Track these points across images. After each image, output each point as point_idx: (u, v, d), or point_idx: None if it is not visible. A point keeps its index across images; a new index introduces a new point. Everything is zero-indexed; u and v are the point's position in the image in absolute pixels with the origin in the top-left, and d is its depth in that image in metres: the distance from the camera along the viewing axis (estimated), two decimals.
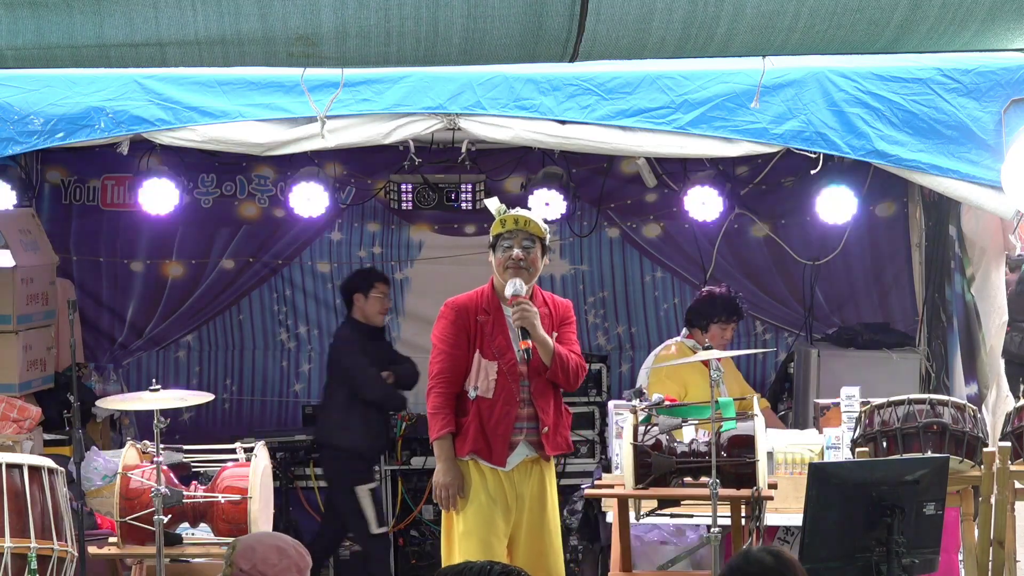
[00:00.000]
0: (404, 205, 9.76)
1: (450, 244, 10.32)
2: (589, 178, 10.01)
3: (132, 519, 7.00)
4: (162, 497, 6.72)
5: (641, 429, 7.07)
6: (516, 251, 7.03)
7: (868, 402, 7.39)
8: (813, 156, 7.58)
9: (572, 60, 4.88)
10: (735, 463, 6.89)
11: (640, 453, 6.98)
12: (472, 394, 7.00)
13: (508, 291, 7.03)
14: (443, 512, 7.07)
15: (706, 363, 8.19)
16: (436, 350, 7.09)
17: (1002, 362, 8.43)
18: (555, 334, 7.10)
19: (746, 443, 6.93)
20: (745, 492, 6.94)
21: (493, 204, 7.18)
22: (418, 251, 10.45)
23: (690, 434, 7.32)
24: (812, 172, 7.83)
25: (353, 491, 9.08)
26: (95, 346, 10.35)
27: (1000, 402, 8.29)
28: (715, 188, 9.26)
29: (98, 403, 7.55)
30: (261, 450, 7.24)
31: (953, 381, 8.81)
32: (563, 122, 7.57)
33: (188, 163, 9.61)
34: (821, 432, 8.03)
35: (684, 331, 8.94)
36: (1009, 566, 7.13)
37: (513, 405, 7.03)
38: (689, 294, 9.98)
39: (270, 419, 10.53)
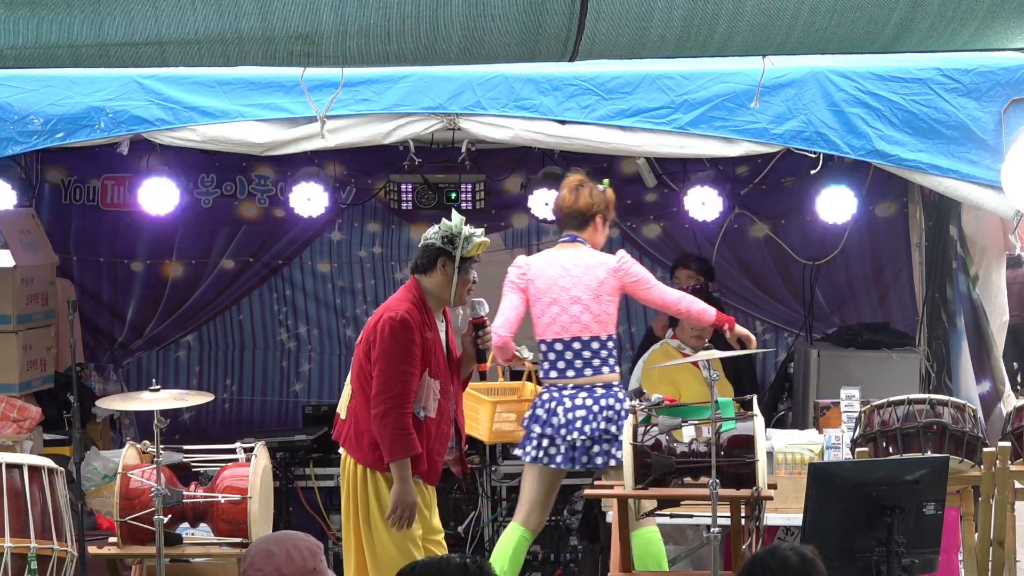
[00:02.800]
0: (404, 205, 9.76)
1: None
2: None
3: (132, 519, 6.99)
4: (162, 497, 6.71)
5: (641, 429, 7.07)
6: (475, 274, 7.01)
7: (868, 402, 7.40)
8: (813, 156, 7.59)
9: (572, 59, 4.88)
10: (735, 463, 6.89)
11: (640, 453, 6.97)
12: (422, 415, 6.89)
13: (480, 312, 7.02)
14: (350, 525, 6.91)
15: (697, 363, 8.23)
16: (395, 368, 6.71)
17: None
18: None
19: (746, 443, 6.93)
20: (745, 492, 6.93)
21: (457, 219, 7.02)
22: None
23: (689, 434, 7.32)
24: (812, 172, 7.84)
25: None
26: (95, 346, 10.35)
27: (1007, 400, 8.32)
28: (715, 188, 9.26)
29: (98, 403, 7.55)
30: (261, 450, 7.25)
31: (958, 380, 8.80)
32: (563, 122, 7.59)
33: (188, 163, 9.60)
34: (821, 432, 8.04)
35: (669, 332, 8.97)
36: (1009, 566, 7.13)
37: (448, 424, 7.00)
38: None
39: (270, 419, 10.53)
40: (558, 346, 7.58)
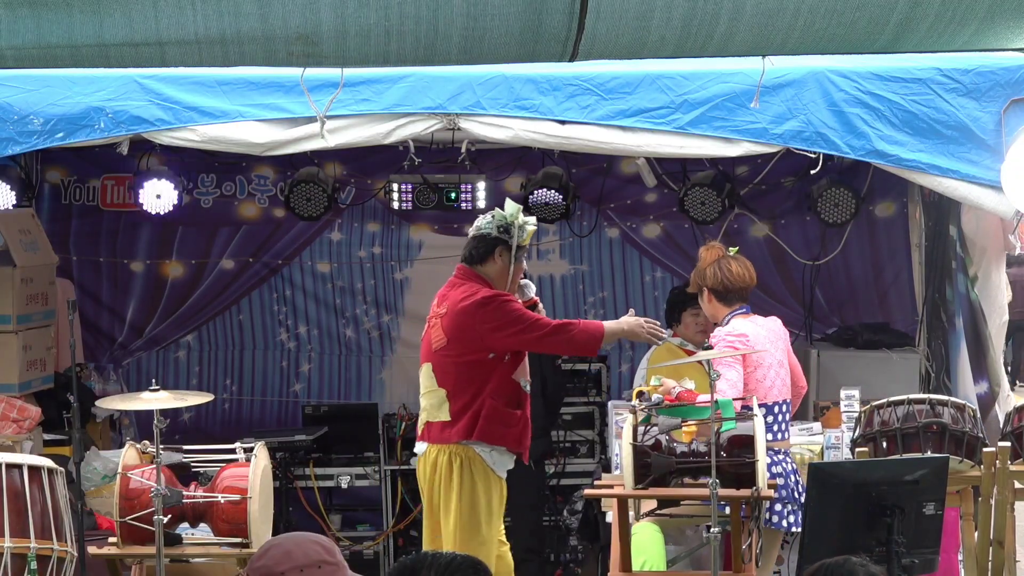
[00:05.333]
0: (404, 205, 9.76)
1: (450, 244, 10.30)
2: (589, 178, 10.00)
3: (132, 519, 6.99)
4: (162, 497, 6.71)
5: (641, 429, 7.07)
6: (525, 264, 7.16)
7: (868, 402, 7.40)
8: (813, 156, 7.59)
9: (572, 59, 4.88)
10: (735, 463, 6.89)
11: (639, 453, 6.97)
12: (527, 388, 6.98)
13: (530, 293, 7.15)
14: (460, 515, 6.95)
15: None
16: (518, 320, 6.85)
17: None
18: None
19: (746, 443, 6.93)
20: (745, 492, 6.93)
21: (513, 207, 7.06)
22: (418, 251, 10.44)
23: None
24: (812, 172, 7.83)
25: None
26: (95, 346, 10.34)
27: (1003, 401, 8.31)
28: (715, 188, 9.25)
29: (98, 403, 7.56)
30: (261, 450, 7.24)
31: (957, 380, 8.81)
32: (563, 122, 7.58)
33: (188, 163, 9.61)
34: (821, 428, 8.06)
35: (668, 331, 8.96)
36: (1009, 566, 7.13)
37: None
38: None
39: (270, 419, 10.53)
40: (776, 408, 7.44)
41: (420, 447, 7.07)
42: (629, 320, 7.19)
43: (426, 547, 7.02)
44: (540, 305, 7.21)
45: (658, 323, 7.27)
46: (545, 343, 6.91)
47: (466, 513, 6.91)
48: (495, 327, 6.84)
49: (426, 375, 7.03)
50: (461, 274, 7.06)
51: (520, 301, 7.11)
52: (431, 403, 7.01)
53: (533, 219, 7.14)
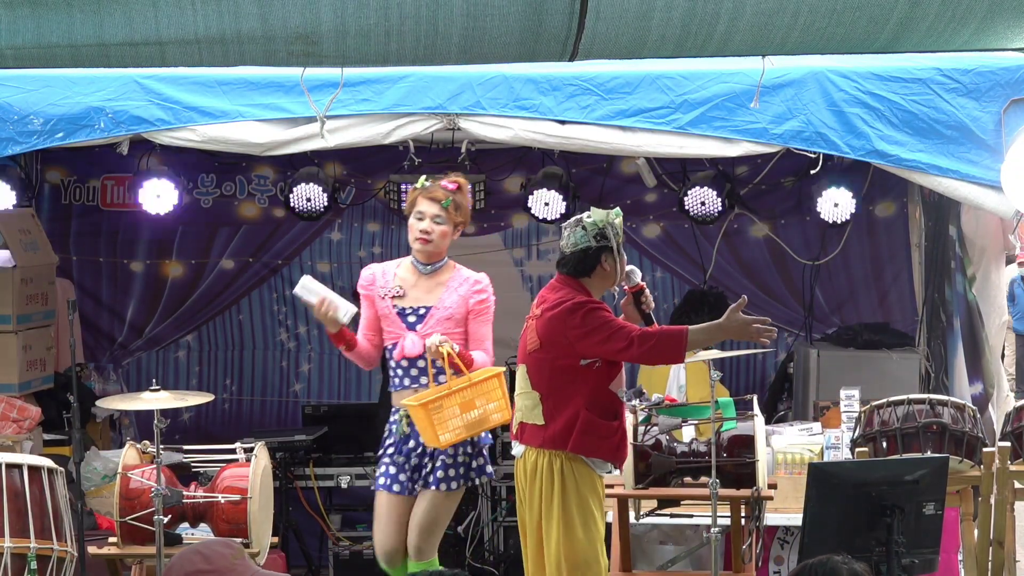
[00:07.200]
0: (404, 205, 9.74)
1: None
2: (589, 178, 10.00)
3: (132, 519, 7.00)
4: (162, 497, 6.72)
5: (641, 429, 7.07)
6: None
7: (868, 402, 7.40)
8: (813, 156, 7.59)
9: (572, 59, 4.88)
10: (735, 463, 6.89)
11: (640, 453, 6.98)
12: (623, 397, 6.86)
13: (636, 279, 6.89)
14: (542, 529, 6.81)
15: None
16: (607, 323, 6.62)
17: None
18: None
19: (746, 443, 6.93)
20: (745, 492, 6.94)
21: (600, 213, 6.88)
22: None
23: (690, 434, 7.32)
24: (812, 172, 7.84)
25: None
26: (95, 346, 10.34)
27: (1001, 402, 8.31)
28: (715, 188, 9.25)
29: (98, 403, 7.56)
30: (261, 450, 7.24)
31: (954, 381, 8.81)
32: (563, 122, 7.59)
33: (188, 163, 9.60)
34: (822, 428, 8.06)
35: None
36: (1009, 566, 7.14)
37: None
38: None
39: (270, 419, 10.53)
40: None
41: (517, 449, 6.93)
42: (733, 319, 6.69)
43: (527, 550, 6.90)
44: (647, 291, 7.03)
45: (768, 319, 6.78)
46: (629, 353, 6.64)
47: (572, 517, 6.81)
48: (583, 334, 6.67)
49: (522, 376, 6.90)
50: (560, 280, 6.90)
51: (627, 287, 6.97)
52: (526, 404, 6.87)
53: (617, 208, 6.94)
